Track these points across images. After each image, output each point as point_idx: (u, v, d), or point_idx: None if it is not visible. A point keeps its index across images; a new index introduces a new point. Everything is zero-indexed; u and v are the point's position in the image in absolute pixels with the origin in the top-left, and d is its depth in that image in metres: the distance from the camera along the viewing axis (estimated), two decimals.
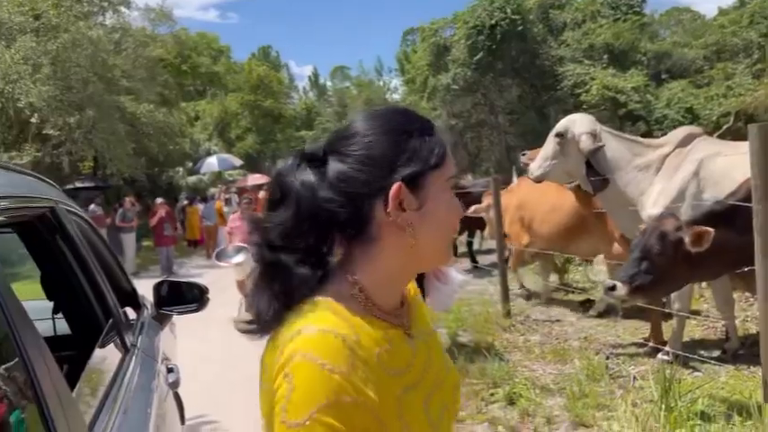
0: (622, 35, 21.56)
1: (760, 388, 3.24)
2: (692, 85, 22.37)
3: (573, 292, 7.18)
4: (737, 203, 3.35)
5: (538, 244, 6.88)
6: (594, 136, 4.98)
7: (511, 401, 4.20)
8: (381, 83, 56.97)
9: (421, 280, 4.80)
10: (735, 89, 21.12)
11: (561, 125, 5.21)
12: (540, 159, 5.34)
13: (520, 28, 21.58)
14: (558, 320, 6.37)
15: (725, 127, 19.67)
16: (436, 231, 0.99)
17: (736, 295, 5.26)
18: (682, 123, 20.86)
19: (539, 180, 5.46)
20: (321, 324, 0.89)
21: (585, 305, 6.78)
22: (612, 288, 3.54)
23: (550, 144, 5.23)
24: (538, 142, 19.94)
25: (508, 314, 6.46)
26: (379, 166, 0.94)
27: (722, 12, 30.46)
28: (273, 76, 35.53)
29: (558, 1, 24.13)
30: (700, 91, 21.78)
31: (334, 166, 0.95)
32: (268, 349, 0.92)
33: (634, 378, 4.32)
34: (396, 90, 52.30)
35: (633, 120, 20.27)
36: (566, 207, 6.33)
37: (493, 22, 21.26)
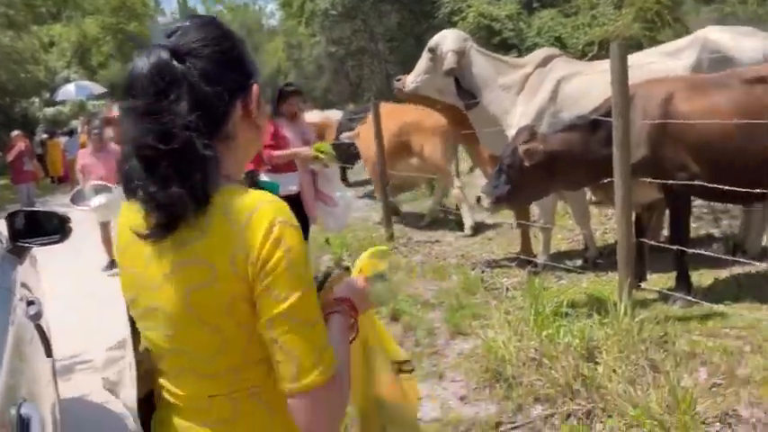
0: None
1: (616, 289, 3.57)
2: (560, 14, 23.18)
3: (451, 214, 7.47)
4: (597, 118, 3.56)
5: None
6: (462, 54, 5.07)
7: (394, 318, 4.35)
8: (257, 7, 54.44)
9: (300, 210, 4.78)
10: (599, 18, 22.18)
11: (433, 40, 5.29)
12: (413, 74, 5.41)
13: None
14: (437, 241, 6.61)
15: (590, 55, 20.74)
16: (260, 132, 1.18)
17: (597, 210, 5.72)
18: None
19: (412, 93, 5.54)
20: (267, 196, 1.04)
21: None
22: (478, 200, 3.75)
23: (424, 59, 5.28)
24: None
25: (391, 237, 6.62)
26: (238, 69, 1.09)
27: None
28: None
29: None
30: (567, 20, 22.64)
31: (200, 65, 1.03)
32: (215, 236, 0.99)
33: (507, 289, 4.61)
34: (272, 15, 50.17)
35: (507, 48, 20.75)
36: (393, 130, 6.62)
37: None
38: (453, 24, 21.50)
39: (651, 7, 21.92)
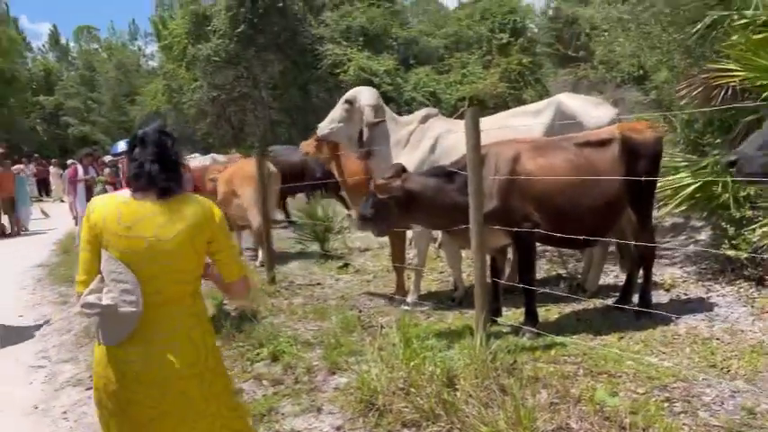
0: (376, 19, 23.01)
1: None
2: (435, 71, 24.80)
3: (332, 258, 7.80)
4: (453, 170, 4.08)
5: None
6: (377, 109, 5.57)
7: (275, 358, 4.54)
8: (136, 47, 52.80)
9: None
10: (469, 77, 23.99)
11: (350, 94, 5.85)
12: (327, 121, 5.86)
13: (280, 4, 21.80)
14: (318, 283, 6.88)
15: (461, 110, 22.27)
16: None
17: (465, 253, 6.27)
18: (426, 105, 23.22)
19: (324, 139, 6.00)
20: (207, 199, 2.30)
21: (343, 269, 7.42)
22: (349, 216, 4.16)
23: (339, 109, 5.73)
24: (302, 118, 20.13)
25: (273, 280, 6.80)
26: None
27: (462, 5, 34.24)
28: (4, 33, 30.78)
29: None
30: (441, 77, 24.26)
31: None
32: (180, 220, 2.16)
33: (381, 326, 4.96)
34: (152, 57, 48.90)
35: (386, 101, 21.70)
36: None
37: None
38: (335, 76, 22.39)
39: (515, 68, 24.11)
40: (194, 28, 23.57)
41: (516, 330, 4.38)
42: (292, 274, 7.36)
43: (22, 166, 18.55)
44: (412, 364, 3.56)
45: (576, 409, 3.23)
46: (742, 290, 4.91)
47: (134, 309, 2.05)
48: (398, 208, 4.15)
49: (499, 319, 4.57)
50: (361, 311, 5.48)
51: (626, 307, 4.40)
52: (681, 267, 5.81)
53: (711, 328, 4.27)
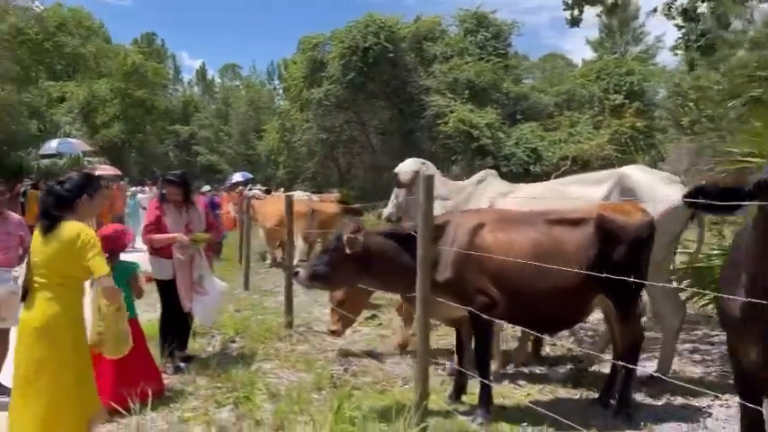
0: (483, 74, 23.08)
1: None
2: (541, 128, 24.32)
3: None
4: (406, 232, 3.97)
5: None
6: (416, 173, 5.54)
7: (237, 405, 4.57)
8: (273, 87, 56.63)
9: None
10: (576, 136, 23.27)
11: (397, 169, 5.94)
12: (388, 206, 6.00)
13: (391, 55, 22.54)
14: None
15: (562, 169, 21.64)
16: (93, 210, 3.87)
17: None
18: (527, 162, 22.75)
19: (390, 219, 6.03)
20: (83, 225, 3.39)
21: (368, 320, 7.36)
22: (296, 274, 4.12)
23: (393, 191, 5.93)
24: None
25: (290, 325, 6.89)
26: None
27: (585, 64, 33.56)
28: (150, 66, 34.34)
29: (432, 34, 25.40)
30: (547, 134, 23.72)
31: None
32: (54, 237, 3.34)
33: (354, 388, 4.85)
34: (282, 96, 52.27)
35: (484, 154, 21.73)
36: None
37: (366, 44, 22.05)
38: (437, 126, 22.67)
39: (626, 131, 23.06)
40: (311, 72, 24.94)
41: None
42: (316, 320, 7.41)
43: (141, 187, 20.27)
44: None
45: None
46: None
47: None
48: (354, 266, 4.08)
49: (465, 397, 4.33)
50: (346, 369, 5.40)
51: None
52: (705, 365, 5.20)
53: None
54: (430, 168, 5.83)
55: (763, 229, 2.32)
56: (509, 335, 6.09)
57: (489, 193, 5.38)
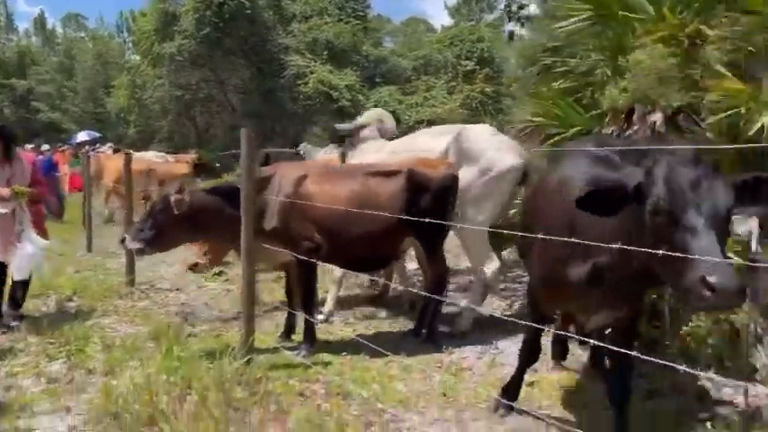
0: (343, 35, 23.27)
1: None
2: (399, 91, 25.09)
3: None
4: (232, 186, 4.21)
5: None
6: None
7: (69, 357, 4.61)
8: (123, 41, 52.63)
9: None
10: (431, 100, 24.28)
11: None
12: None
13: (248, 11, 22.00)
14: (178, 289, 6.95)
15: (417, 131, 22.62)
16: None
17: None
18: None
19: None
20: None
21: (215, 277, 7.49)
22: (123, 240, 4.23)
23: None
24: (262, 124, 20.41)
25: (131, 282, 6.87)
26: None
27: (442, 30, 34.75)
28: None
29: None
30: (404, 98, 24.53)
31: None
32: None
33: (190, 335, 5.06)
34: (133, 51, 48.89)
35: (344, 115, 22.06)
36: None
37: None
38: (297, 86, 22.64)
39: (476, 96, 24.43)
40: (162, 26, 23.69)
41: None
42: (160, 278, 7.43)
43: None
44: (149, 371, 3.66)
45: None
46: None
47: None
48: (183, 225, 4.25)
49: (294, 336, 4.71)
50: (186, 320, 5.57)
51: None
52: (510, 300, 5.99)
53: (480, 359, 4.42)
54: (386, 123, 6.10)
55: (634, 226, 2.37)
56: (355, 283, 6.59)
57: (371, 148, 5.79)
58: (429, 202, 4.44)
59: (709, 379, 3.84)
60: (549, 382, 4.01)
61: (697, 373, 3.75)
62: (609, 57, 4.81)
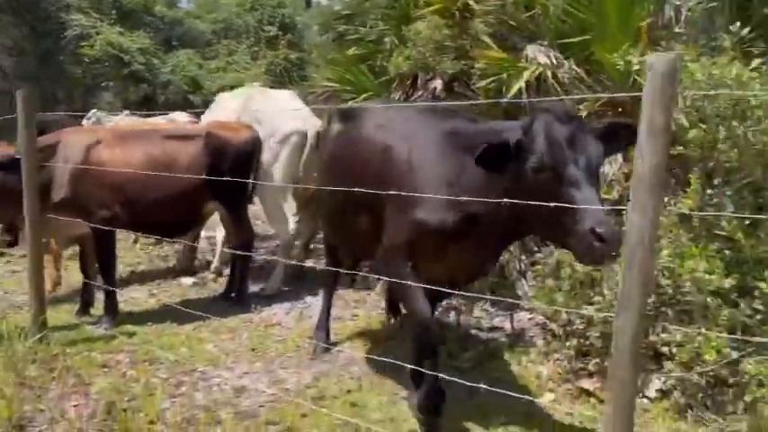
0: None
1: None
2: (199, 55, 24.03)
3: None
4: (9, 156, 3.89)
5: None
6: None
7: None
8: None
9: None
10: (234, 65, 23.63)
11: None
12: None
13: None
14: None
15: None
16: None
17: None
18: (186, 91, 22.39)
19: None
20: None
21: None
22: None
23: None
24: (42, 89, 18.25)
25: None
26: None
27: None
28: None
29: None
30: (205, 62, 23.57)
31: None
32: None
33: None
34: None
35: (137, 81, 20.66)
36: None
37: None
38: (82, 48, 20.58)
39: (280, 63, 24.27)
40: None
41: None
42: None
43: None
44: None
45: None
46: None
47: None
48: None
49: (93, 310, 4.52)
50: None
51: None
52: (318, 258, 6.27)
53: (288, 314, 4.66)
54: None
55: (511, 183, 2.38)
56: None
57: None
58: (229, 165, 4.48)
59: (483, 310, 4.47)
60: (350, 328, 4.36)
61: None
62: (394, 26, 5.19)
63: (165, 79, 21.63)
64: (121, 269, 5.61)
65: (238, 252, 4.54)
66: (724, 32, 3.80)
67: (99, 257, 4.29)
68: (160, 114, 11.38)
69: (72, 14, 20.95)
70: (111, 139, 4.25)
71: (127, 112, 11.74)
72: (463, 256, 2.79)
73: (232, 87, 22.33)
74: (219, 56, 24.55)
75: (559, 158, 2.23)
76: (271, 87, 23.29)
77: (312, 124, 5.15)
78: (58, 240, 4.66)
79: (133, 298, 5.00)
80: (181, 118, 11.16)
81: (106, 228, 4.12)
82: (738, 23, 3.91)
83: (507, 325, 4.25)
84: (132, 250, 6.70)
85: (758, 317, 2.97)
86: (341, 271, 3.60)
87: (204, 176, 4.33)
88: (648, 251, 1.76)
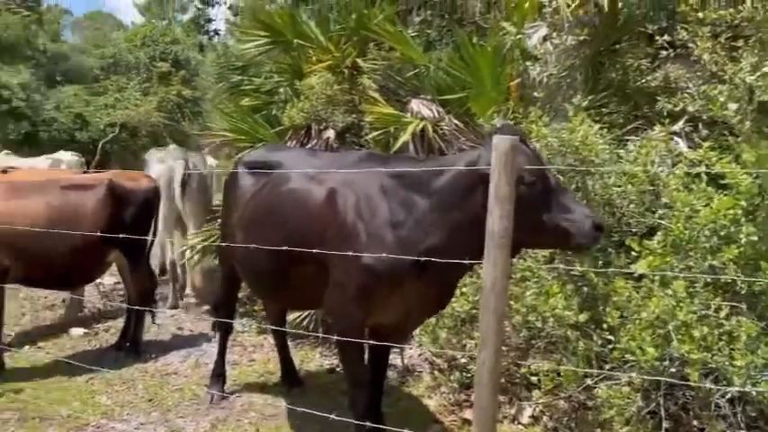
0: (11, 27, 20.59)
1: None
2: (86, 91, 23.16)
3: None
4: None
5: None
6: None
7: None
8: None
9: None
10: (123, 102, 22.95)
11: None
12: None
13: None
14: None
15: (111, 135, 21.25)
16: None
17: None
18: (72, 128, 21.44)
19: None
20: None
21: None
22: None
23: None
24: None
25: None
26: None
27: (132, 29, 32.81)
28: None
29: None
30: (92, 98, 22.75)
31: None
32: None
33: None
34: None
35: (17, 118, 19.59)
36: None
37: None
38: None
39: (173, 99, 23.87)
40: None
41: None
42: None
43: None
44: None
45: None
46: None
47: None
48: None
49: None
50: None
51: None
52: None
53: (184, 362, 4.68)
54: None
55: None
56: None
57: None
58: (132, 214, 4.51)
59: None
60: (247, 373, 4.47)
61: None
62: (288, 79, 5.46)
63: (49, 116, 20.66)
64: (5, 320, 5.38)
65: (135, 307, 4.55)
66: (579, 95, 4.39)
67: None
68: (44, 154, 10.96)
69: None
70: (7, 192, 4.18)
71: (6, 151, 11.18)
72: (422, 296, 2.86)
73: (122, 125, 21.88)
74: (108, 92, 23.79)
75: (543, 171, 2.54)
76: (164, 124, 22.88)
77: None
78: None
79: (19, 352, 4.83)
80: (65, 157, 10.77)
81: None
82: (590, 87, 4.54)
83: (399, 362, 4.51)
84: (16, 300, 6.42)
85: (609, 347, 3.42)
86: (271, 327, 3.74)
87: (107, 227, 4.32)
88: (501, 297, 2.08)
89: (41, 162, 10.02)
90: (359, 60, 5.12)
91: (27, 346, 5.06)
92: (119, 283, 6.03)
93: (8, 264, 4.12)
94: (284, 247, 2.80)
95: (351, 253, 2.70)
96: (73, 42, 27.71)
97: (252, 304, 5.31)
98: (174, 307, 6.07)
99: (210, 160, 7.81)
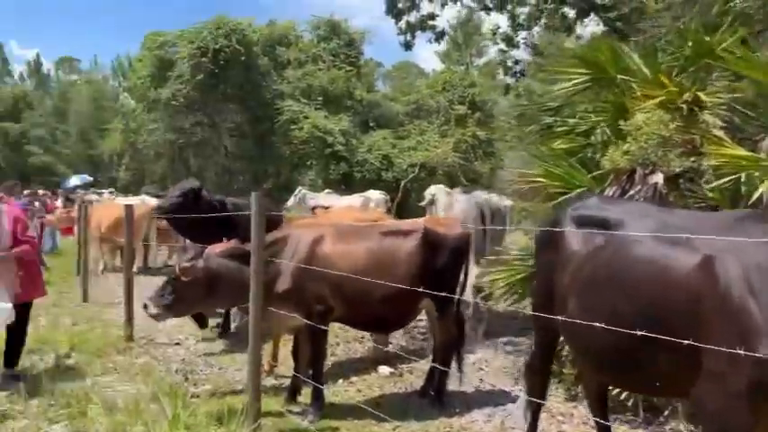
0: (336, 81, 23.64)
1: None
2: (393, 135, 25.40)
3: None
4: (245, 250, 4.20)
5: None
6: None
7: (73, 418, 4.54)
8: (117, 83, 53.08)
9: None
10: (424, 144, 24.56)
11: None
12: None
13: (243, 58, 22.37)
14: (177, 343, 6.87)
15: (411, 176, 22.90)
16: None
17: None
18: (379, 168, 23.65)
19: None
20: None
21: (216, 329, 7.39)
22: (146, 307, 4.20)
23: None
24: (256, 167, 20.76)
25: (129, 337, 6.78)
26: None
27: (433, 75, 35.41)
28: None
29: (285, 39, 25.56)
30: (397, 141, 24.82)
31: None
32: None
33: (194, 396, 4.98)
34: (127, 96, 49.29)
35: (338, 160, 22.26)
36: None
37: (217, 46, 21.72)
38: (291, 131, 22.85)
39: (468, 140, 24.77)
40: (157, 72, 23.96)
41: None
42: (157, 331, 7.32)
43: None
44: None
45: None
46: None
47: None
48: (199, 290, 4.24)
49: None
50: (186, 378, 5.49)
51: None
52: (515, 355, 5.96)
53: (489, 422, 4.39)
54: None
55: None
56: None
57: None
58: (444, 260, 4.49)
59: None
60: None
61: None
62: (608, 118, 4.92)
63: (362, 158, 23.08)
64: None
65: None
66: None
67: (310, 351, 4.44)
68: (356, 193, 12.02)
69: (285, 101, 23.45)
70: (333, 236, 4.47)
71: (328, 190, 12.55)
72: None
73: (421, 165, 23.35)
74: (411, 135, 25.71)
75: None
76: (459, 164, 23.80)
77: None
78: (275, 328, 4.93)
79: (335, 386, 5.09)
80: (374, 196, 11.68)
81: (320, 322, 4.27)
82: None
83: None
84: (331, 329, 6.93)
85: None
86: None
87: (421, 273, 4.34)
88: None
89: (355, 200, 11.10)
90: (700, 94, 4.36)
91: (341, 380, 5.34)
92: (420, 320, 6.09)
93: (332, 304, 4.35)
94: (639, 332, 2.28)
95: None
96: (383, 91, 30.71)
97: (560, 365, 4.82)
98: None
99: (506, 201, 7.64)
